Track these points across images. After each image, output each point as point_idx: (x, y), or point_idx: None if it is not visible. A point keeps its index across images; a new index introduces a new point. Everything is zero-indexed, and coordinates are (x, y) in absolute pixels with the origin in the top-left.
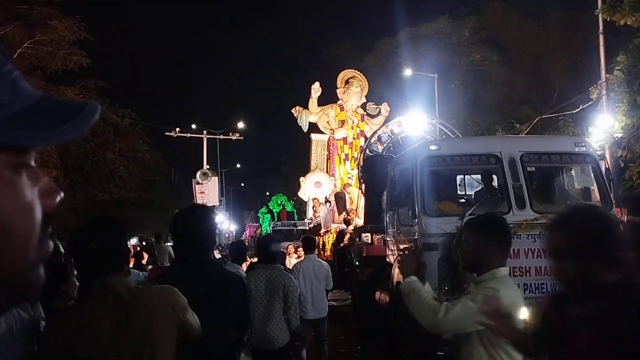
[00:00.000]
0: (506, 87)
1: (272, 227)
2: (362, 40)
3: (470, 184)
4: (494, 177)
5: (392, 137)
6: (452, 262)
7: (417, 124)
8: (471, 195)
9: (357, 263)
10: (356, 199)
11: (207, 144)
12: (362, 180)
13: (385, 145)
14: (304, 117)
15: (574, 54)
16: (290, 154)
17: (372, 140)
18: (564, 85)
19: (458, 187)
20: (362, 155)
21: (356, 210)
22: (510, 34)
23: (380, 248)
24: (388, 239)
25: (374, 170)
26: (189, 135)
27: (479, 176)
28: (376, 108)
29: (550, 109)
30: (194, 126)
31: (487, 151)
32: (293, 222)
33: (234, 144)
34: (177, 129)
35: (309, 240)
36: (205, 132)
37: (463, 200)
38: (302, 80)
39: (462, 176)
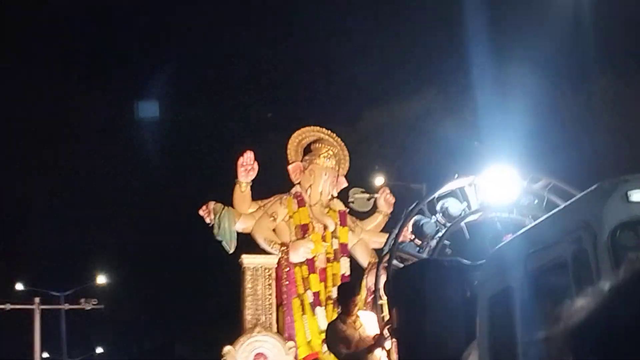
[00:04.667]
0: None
1: None
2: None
3: None
4: None
5: (447, 222)
6: None
7: (501, 190)
8: None
9: None
10: None
11: (43, 319)
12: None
13: (437, 240)
14: (227, 223)
15: None
16: (196, 314)
17: (402, 234)
18: None
19: None
20: (380, 269)
21: None
22: None
23: None
24: None
25: (420, 298)
26: (8, 307)
27: None
28: (369, 198)
29: None
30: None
31: None
32: None
33: (89, 317)
34: None
35: None
36: (37, 299)
37: None
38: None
39: None
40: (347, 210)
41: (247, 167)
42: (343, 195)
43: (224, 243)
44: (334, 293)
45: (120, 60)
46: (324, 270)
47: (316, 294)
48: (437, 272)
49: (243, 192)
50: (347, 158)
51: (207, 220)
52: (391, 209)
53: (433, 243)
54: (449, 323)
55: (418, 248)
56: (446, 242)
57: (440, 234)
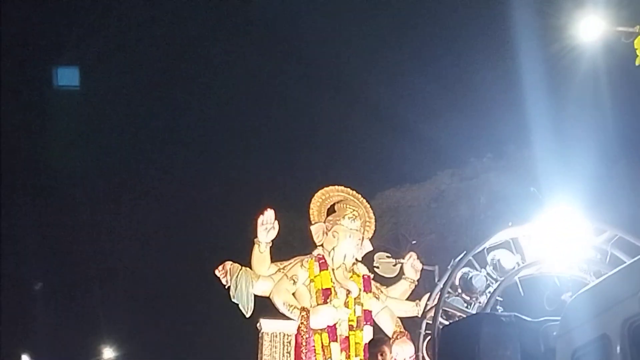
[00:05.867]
0: None
1: None
2: None
3: None
4: None
5: (499, 277)
6: None
7: (560, 242)
8: None
9: None
10: None
11: None
12: None
13: (487, 296)
14: (244, 285)
15: None
16: None
17: (449, 286)
18: None
19: None
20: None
21: None
22: None
23: None
24: None
25: (473, 358)
26: None
27: None
28: (395, 263)
29: None
30: None
31: None
32: None
33: None
34: None
35: None
36: None
37: None
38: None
39: None
40: (372, 275)
41: (267, 226)
42: (367, 260)
43: (240, 306)
44: None
45: None
46: (346, 338)
47: None
48: (493, 328)
49: (262, 252)
50: (373, 221)
51: (223, 282)
52: (418, 276)
53: (483, 299)
54: None
55: (465, 304)
56: (498, 298)
57: (491, 289)
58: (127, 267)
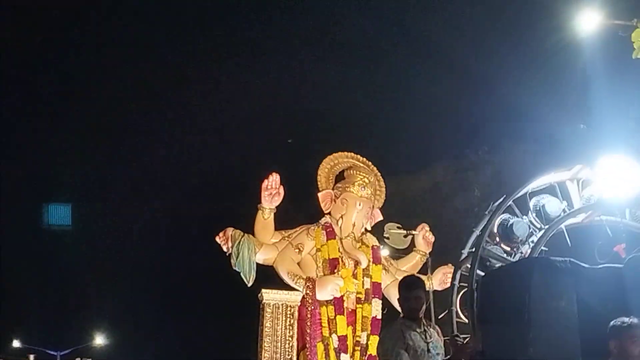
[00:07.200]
0: None
1: None
2: None
3: None
4: None
5: (543, 225)
6: None
7: (612, 187)
8: None
9: None
10: None
11: None
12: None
13: (530, 246)
14: (246, 252)
15: None
16: None
17: (488, 235)
18: None
19: None
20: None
21: None
22: None
23: None
24: None
25: (522, 309)
26: None
27: None
28: (406, 235)
29: None
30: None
31: None
32: None
33: None
34: None
35: None
36: (32, 357)
37: None
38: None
39: None
40: (380, 246)
41: (272, 190)
42: (377, 231)
43: (242, 274)
44: (363, 338)
45: None
46: (353, 312)
47: (342, 339)
48: (546, 275)
49: (266, 219)
50: (384, 189)
51: (224, 249)
52: (430, 249)
53: (525, 248)
54: (563, 342)
55: (505, 254)
56: (543, 248)
57: (534, 238)
58: (120, 246)
